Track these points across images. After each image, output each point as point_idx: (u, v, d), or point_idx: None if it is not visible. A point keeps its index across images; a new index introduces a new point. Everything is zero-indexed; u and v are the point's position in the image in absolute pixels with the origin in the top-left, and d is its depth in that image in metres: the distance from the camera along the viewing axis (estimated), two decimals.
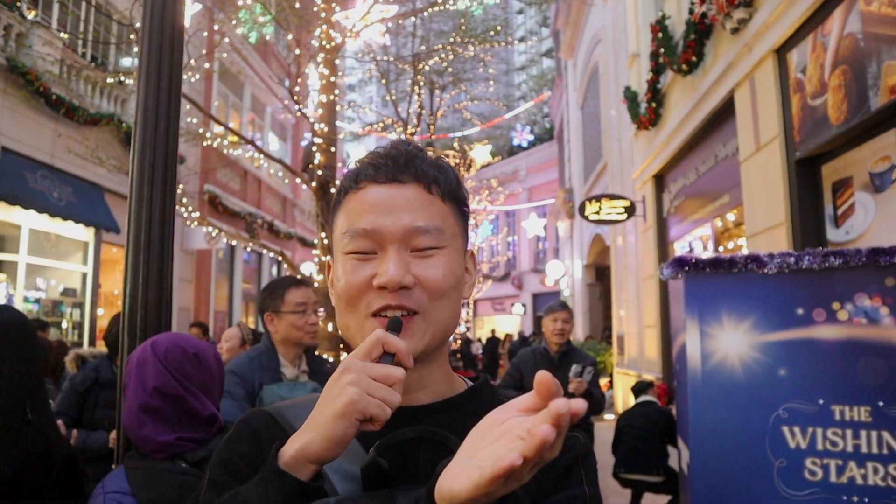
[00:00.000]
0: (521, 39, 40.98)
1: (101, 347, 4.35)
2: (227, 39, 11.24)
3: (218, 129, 13.02)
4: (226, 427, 1.83)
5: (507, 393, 1.07)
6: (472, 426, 0.91)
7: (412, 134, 11.99)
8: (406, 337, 0.93)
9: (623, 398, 12.28)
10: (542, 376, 0.67)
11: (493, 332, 26.40)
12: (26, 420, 1.77)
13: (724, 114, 7.31)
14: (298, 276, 7.68)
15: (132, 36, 7.15)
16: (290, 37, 8.64)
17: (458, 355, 19.73)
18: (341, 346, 7.55)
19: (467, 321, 27.33)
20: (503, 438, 0.68)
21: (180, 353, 1.77)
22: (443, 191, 1.00)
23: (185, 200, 9.97)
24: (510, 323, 34.74)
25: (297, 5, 8.33)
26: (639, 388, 6.43)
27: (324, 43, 7.64)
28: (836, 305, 2.73)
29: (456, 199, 1.03)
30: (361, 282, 0.95)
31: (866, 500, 2.53)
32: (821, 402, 2.67)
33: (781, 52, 5.76)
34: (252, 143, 7.88)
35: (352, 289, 0.96)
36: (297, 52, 8.69)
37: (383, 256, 0.95)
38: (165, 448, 1.70)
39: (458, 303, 1.02)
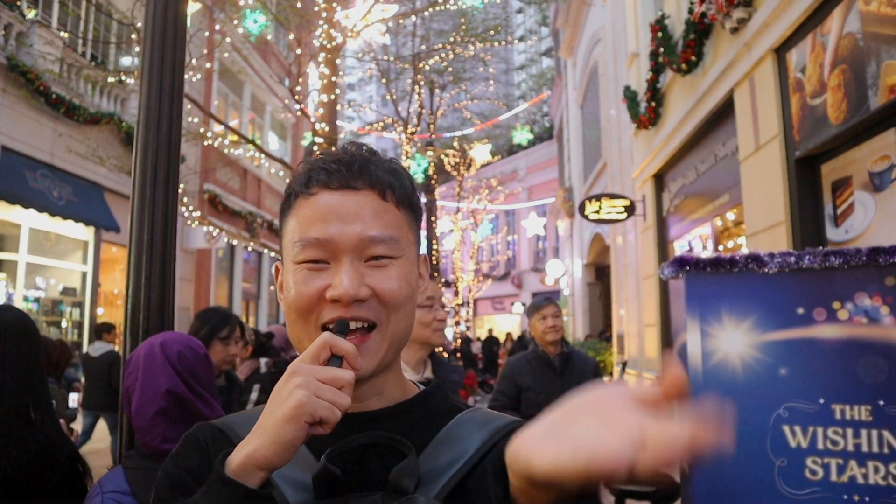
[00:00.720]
0: (521, 39, 40.98)
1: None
2: (228, 39, 11.25)
3: (218, 128, 13.00)
4: None
5: (456, 402, 1.10)
6: (423, 430, 0.96)
7: (412, 133, 11.99)
8: (361, 355, 0.88)
9: None
10: (676, 376, 0.63)
11: (490, 331, 26.24)
12: (29, 420, 1.77)
13: (724, 113, 7.31)
14: None
15: (133, 36, 7.15)
16: (291, 36, 8.64)
17: (459, 354, 19.71)
18: None
19: (467, 320, 27.31)
20: (612, 425, 0.58)
21: (191, 353, 1.78)
22: (398, 197, 0.97)
23: (185, 200, 9.98)
24: (510, 322, 34.74)
25: (299, 5, 8.33)
26: None
27: (325, 43, 7.64)
28: (836, 305, 2.74)
29: (410, 205, 1.00)
30: (313, 293, 0.91)
31: (867, 499, 2.54)
32: (821, 401, 2.67)
33: (781, 52, 5.77)
34: (253, 142, 7.89)
35: (303, 300, 0.92)
36: (299, 51, 8.70)
37: (337, 267, 0.91)
38: (167, 454, 1.70)
39: (413, 312, 0.99)
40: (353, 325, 0.91)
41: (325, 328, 0.91)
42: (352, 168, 0.94)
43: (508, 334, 25.00)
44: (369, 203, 0.94)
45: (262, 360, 4.80)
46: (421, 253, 1.05)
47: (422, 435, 0.94)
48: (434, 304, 2.72)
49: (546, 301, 4.41)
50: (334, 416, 0.77)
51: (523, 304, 33.90)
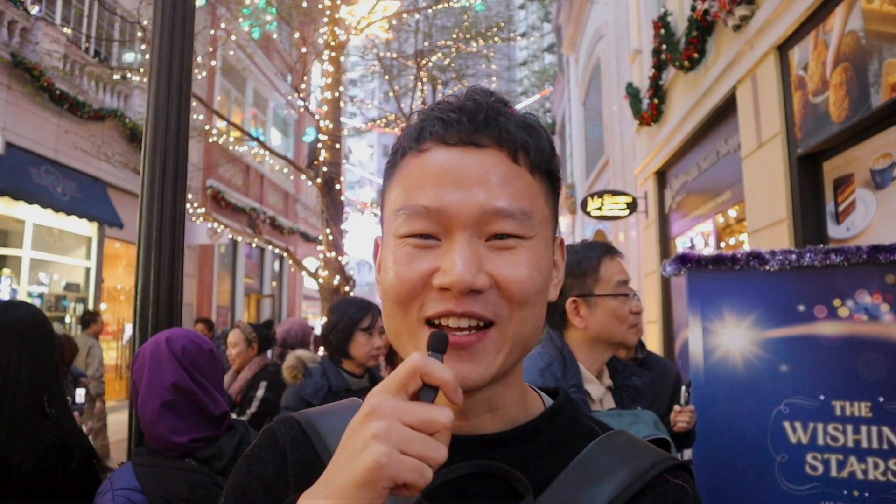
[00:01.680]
0: (523, 35, 40.95)
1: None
2: (233, 37, 11.26)
3: (221, 124, 13.04)
4: (234, 426, 1.86)
5: (590, 420, 0.87)
6: (547, 460, 0.76)
7: None
8: (474, 360, 0.71)
9: None
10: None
11: None
12: (44, 414, 1.81)
13: (726, 110, 7.32)
14: (304, 272, 7.68)
15: (139, 34, 7.18)
16: (296, 35, 8.66)
17: None
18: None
19: None
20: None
21: (196, 348, 1.80)
22: (533, 161, 0.76)
23: (189, 196, 10.02)
24: None
25: (304, 4, 8.35)
26: None
27: (329, 40, 7.66)
28: (836, 302, 2.77)
29: (548, 172, 0.79)
30: (417, 277, 0.72)
31: (866, 494, 2.57)
32: (822, 397, 2.70)
33: (783, 50, 5.78)
34: (258, 139, 7.91)
35: (403, 285, 0.73)
36: (304, 49, 8.72)
37: (449, 246, 0.72)
38: (178, 447, 1.73)
39: (544, 309, 0.78)
40: (465, 323, 0.72)
41: (429, 324, 0.73)
42: (476, 119, 0.74)
43: None
44: (497, 165, 0.74)
45: (269, 352, 4.78)
46: (557, 235, 0.84)
47: (545, 467, 0.76)
48: (629, 292, 2.11)
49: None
50: (424, 478, 0.59)
51: None
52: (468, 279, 0.69)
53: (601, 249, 2.13)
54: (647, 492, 0.74)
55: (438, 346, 0.67)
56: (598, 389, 2.03)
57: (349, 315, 2.99)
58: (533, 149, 0.76)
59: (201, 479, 1.69)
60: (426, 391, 0.62)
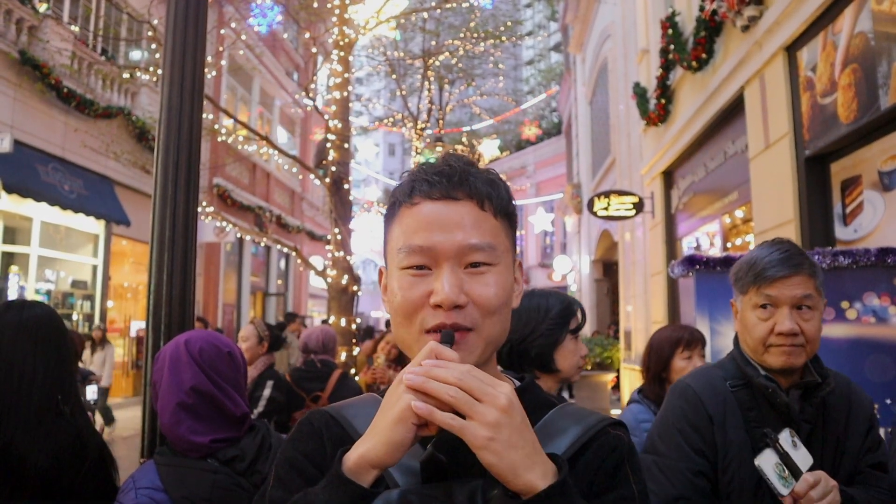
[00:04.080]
0: (530, 34, 40.90)
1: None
2: (244, 37, 11.29)
3: (228, 122, 13.08)
4: (255, 427, 1.87)
5: (549, 396, 1.15)
6: None
7: (422, 129, 12.00)
8: (460, 352, 0.95)
9: (630, 395, 12.29)
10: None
11: None
12: (59, 412, 1.83)
13: (734, 111, 7.31)
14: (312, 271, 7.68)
15: (149, 33, 7.20)
16: (307, 35, 8.67)
17: None
18: (353, 340, 7.54)
19: None
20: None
21: (214, 351, 1.80)
22: (495, 207, 1.03)
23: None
24: None
25: (315, 4, 8.35)
26: None
27: (338, 40, 7.67)
28: (844, 304, 2.77)
29: (507, 214, 1.06)
30: (417, 298, 0.98)
31: None
32: None
33: (791, 50, 5.77)
34: (267, 139, 7.93)
35: (408, 305, 0.99)
36: (314, 49, 8.73)
37: (438, 273, 0.98)
38: (200, 448, 1.74)
39: (509, 315, 1.05)
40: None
41: (428, 333, 0.98)
42: (452, 179, 1.01)
43: None
44: (469, 212, 1.00)
45: (276, 354, 4.79)
46: (517, 258, 1.11)
47: None
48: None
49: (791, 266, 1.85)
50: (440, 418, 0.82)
51: None
52: (453, 297, 0.96)
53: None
54: (593, 441, 1.01)
55: (447, 339, 0.94)
56: None
57: (555, 313, 2.17)
58: (495, 198, 1.03)
59: (223, 480, 1.70)
60: None
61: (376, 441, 0.85)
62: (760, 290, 1.80)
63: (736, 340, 1.95)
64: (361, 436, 0.90)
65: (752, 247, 7.12)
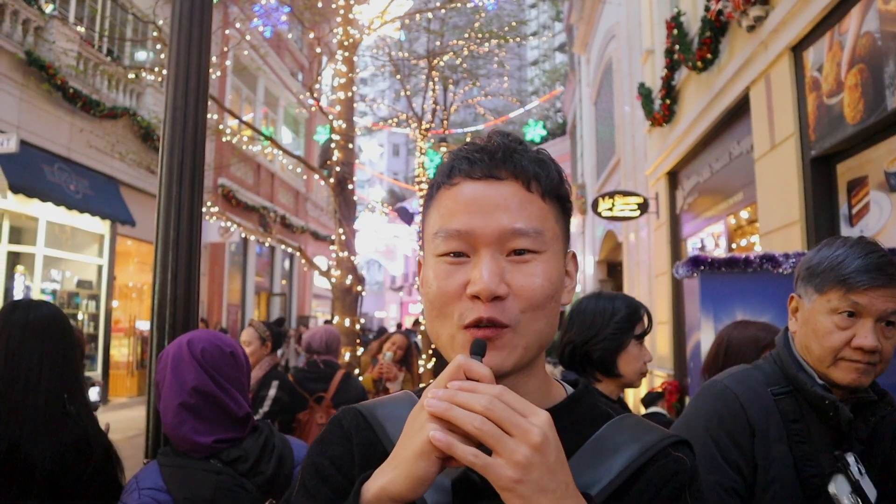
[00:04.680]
0: (534, 34, 40.89)
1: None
2: (248, 37, 11.31)
3: (233, 122, 13.10)
4: (258, 427, 1.87)
5: (606, 406, 1.02)
6: (570, 438, 0.88)
7: (426, 129, 12.01)
8: (493, 352, 0.86)
9: (634, 400, 12.30)
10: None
11: None
12: (65, 412, 1.83)
13: (739, 111, 7.30)
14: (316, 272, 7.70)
15: (154, 33, 7.22)
16: (311, 35, 8.68)
17: None
18: (357, 340, 7.53)
19: None
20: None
21: (217, 351, 1.79)
22: (543, 188, 0.93)
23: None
24: None
25: (320, 5, 8.36)
26: (649, 399, 6.40)
27: (343, 40, 7.68)
28: None
29: (558, 196, 0.96)
30: (454, 289, 0.89)
31: None
32: None
33: (797, 50, 5.76)
34: (272, 139, 7.94)
35: (444, 296, 0.89)
36: (319, 50, 8.74)
37: (476, 260, 0.88)
38: (203, 448, 1.73)
39: (556, 312, 0.94)
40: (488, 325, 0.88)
41: (466, 329, 0.88)
42: (495, 157, 0.91)
43: None
44: (514, 194, 0.90)
45: (280, 352, 4.77)
46: (569, 249, 1.01)
47: (568, 444, 0.86)
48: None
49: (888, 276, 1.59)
50: (468, 454, 0.73)
51: None
52: (492, 287, 0.85)
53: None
54: (652, 462, 0.89)
55: (477, 349, 0.83)
56: None
57: (621, 317, 2.16)
58: (543, 178, 0.93)
59: (226, 481, 1.69)
60: None
61: (397, 474, 0.77)
62: (848, 295, 1.55)
63: (786, 340, 1.71)
64: (393, 443, 0.84)
65: (757, 248, 7.12)
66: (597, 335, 2.14)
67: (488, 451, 0.73)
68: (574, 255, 1.01)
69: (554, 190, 0.95)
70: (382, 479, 0.78)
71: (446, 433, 0.73)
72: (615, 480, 0.86)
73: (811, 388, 1.59)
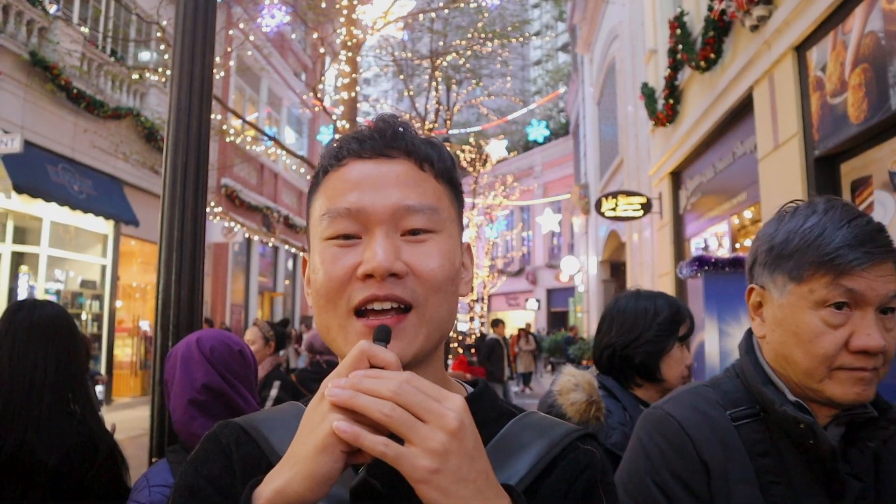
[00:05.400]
0: (537, 34, 40.86)
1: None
2: (252, 38, 11.32)
3: (237, 123, 13.14)
4: None
5: (508, 401, 0.96)
6: None
7: (430, 129, 12.01)
8: (396, 338, 0.78)
9: None
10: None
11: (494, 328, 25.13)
12: (70, 412, 1.84)
13: (743, 111, 7.29)
14: None
15: (158, 34, 7.24)
16: (315, 36, 8.70)
17: (474, 350, 19.52)
18: None
19: (482, 316, 27.36)
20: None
21: (226, 349, 1.81)
22: (436, 169, 0.87)
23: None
24: (524, 318, 34.78)
25: (323, 5, 8.37)
26: None
27: (346, 40, 7.69)
28: None
29: (451, 180, 0.90)
30: (344, 272, 0.81)
31: None
32: None
33: (801, 50, 5.75)
34: (276, 140, 7.95)
35: (332, 281, 0.81)
36: (322, 50, 8.75)
37: (369, 241, 0.81)
38: None
39: (456, 298, 0.87)
40: (388, 306, 0.80)
41: (357, 313, 0.81)
42: (385, 135, 0.86)
43: (521, 330, 20.72)
44: (405, 171, 0.85)
45: (281, 352, 4.77)
46: (464, 241, 0.93)
47: None
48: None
49: (882, 249, 1.21)
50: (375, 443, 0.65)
51: (538, 301, 33.90)
52: (386, 264, 0.78)
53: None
54: (561, 458, 0.84)
55: (382, 335, 0.75)
56: None
57: (664, 318, 2.01)
58: (436, 159, 0.88)
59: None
60: None
61: (295, 473, 0.67)
62: (839, 280, 1.13)
63: (749, 346, 1.31)
64: (280, 455, 0.73)
65: None
66: (638, 338, 1.99)
67: (400, 441, 0.65)
68: (469, 247, 0.94)
69: (447, 172, 0.89)
70: (277, 482, 0.69)
71: (352, 423, 0.65)
72: (525, 478, 0.81)
73: (779, 408, 1.17)
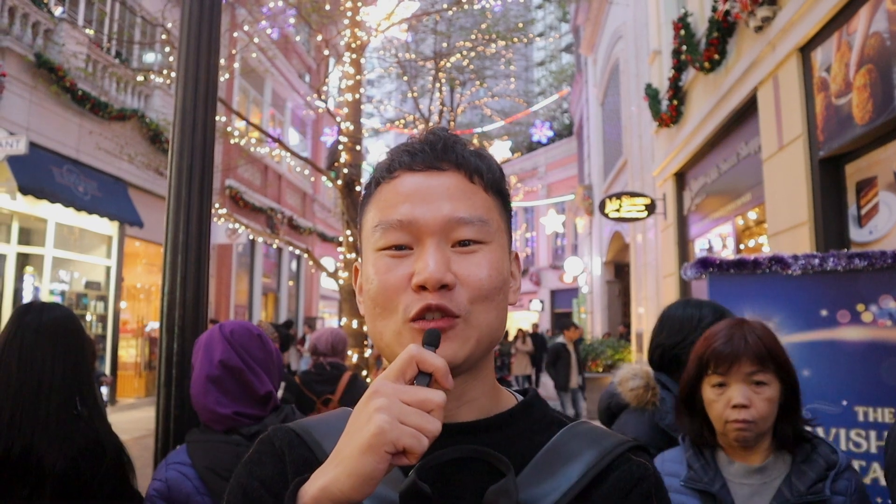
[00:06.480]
0: (541, 35, 40.85)
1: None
2: (256, 40, 11.33)
3: (241, 124, 13.16)
4: (280, 407, 1.93)
5: (557, 413, 0.97)
6: (523, 445, 0.87)
7: None
8: (445, 343, 0.81)
9: None
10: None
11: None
12: (77, 414, 1.85)
13: (747, 112, 7.28)
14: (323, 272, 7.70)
15: (163, 36, 7.26)
16: (319, 37, 8.71)
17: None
18: (364, 342, 7.55)
19: None
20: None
21: (245, 332, 1.91)
22: (486, 181, 0.90)
23: None
24: (528, 319, 34.75)
25: (328, 7, 8.39)
26: None
27: (350, 42, 7.70)
28: (860, 307, 2.75)
29: (499, 191, 0.93)
30: (397, 281, 0.84)
31: (889, 502, 2.54)
32: (844, 403, 2.68)
33: (805, 51, 5.74)
34: (279, 141, 7.96)
35: (386, 290, 0.84)
36: (326, 52, 8.76)
37: (420, 251, 0.84)
38: (223, 420, 1.83)
39: (505, 307, 0.89)
40: (439, 315, 0.83)
41: (413, 321, 0.83)
42: (436, 148, 0.89)
43: (522, 331, 19.66)
44: (456, 184, 0.87)
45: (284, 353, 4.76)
46: (513, 250, 0.96)
47: (521, 452, 0.86)
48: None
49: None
50: (421, 445, 0.68)
51: (541, 302, 33.85)
52: (438, 275, 0.81)
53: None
54: (612, 468, 0.85)
55: (431, 340, 0.78)
56: None
57: (707, 323, 2.20)
58: (485, 171, 0.90)
59: (245, 453, 1.74)
60: (421, 378, 0.72)
61: (340, 472, 0.69)
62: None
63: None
64: None
65: (765, 249, 7.09)
66: (685, 339, 2.21)
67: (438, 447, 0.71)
68: (517, 256, 0.97)
69: (496, 184, 0.92)
70: (323, 479, 0.71)
71: (396, 424, 0.68)
72: (576, 486, 0.82)
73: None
